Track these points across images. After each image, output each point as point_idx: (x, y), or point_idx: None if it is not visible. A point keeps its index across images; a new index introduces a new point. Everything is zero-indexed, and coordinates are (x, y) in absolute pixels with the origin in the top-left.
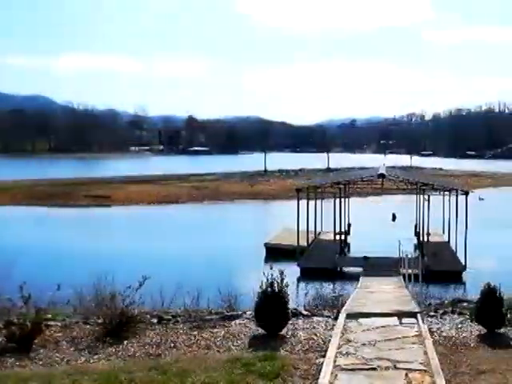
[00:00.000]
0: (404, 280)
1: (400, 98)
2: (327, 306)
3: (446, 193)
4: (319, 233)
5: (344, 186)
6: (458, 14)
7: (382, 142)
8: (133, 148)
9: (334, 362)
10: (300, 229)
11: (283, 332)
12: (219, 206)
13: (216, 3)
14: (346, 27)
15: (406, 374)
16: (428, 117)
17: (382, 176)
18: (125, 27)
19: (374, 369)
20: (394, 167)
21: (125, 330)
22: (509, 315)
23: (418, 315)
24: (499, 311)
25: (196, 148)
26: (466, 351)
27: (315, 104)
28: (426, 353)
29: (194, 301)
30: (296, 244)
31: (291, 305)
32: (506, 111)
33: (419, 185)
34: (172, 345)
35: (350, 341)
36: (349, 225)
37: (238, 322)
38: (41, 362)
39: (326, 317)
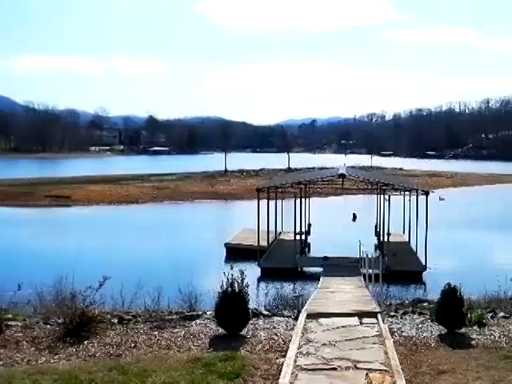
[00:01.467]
0: (364, 280)
1: (360, 98)
2: (288, 305)
3: (407, 193)
4: (280, 233)
5: (304, 186)
6: (418, 14)
7: (342, 142)
8: (93, 148)
9: (295, 361)
10: (260, 229)
11: (244, 332)
12: (179, 206)
13: (175, 3)
14: (306, 27)
15: (367, 374)
16: (388, 117)
17: (342, 176)
18: (85, 28)
19: (334, 369)
20: (354, 167)
21: (85, 329)
22: (469, 315)
23: (379, 315)
24: (459, 311)
25: (156, 148)
26: (426, 351)
27: (276, 104)
28: (386, 353)
29: (155, 301)
30: (256, 244)
31: (252, 305)
32: (467, 111)
33: (379, 185)
34: (132, 345)
35: (310, 341)
36: (309, 225)
37: (198, 321)
38: (1, 362)
39: (287, 317)
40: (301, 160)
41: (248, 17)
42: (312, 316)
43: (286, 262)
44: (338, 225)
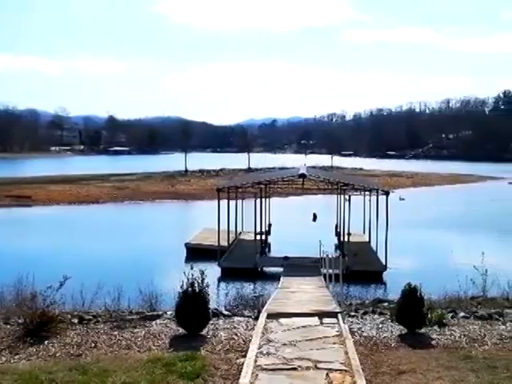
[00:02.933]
0: (325, 280)
1: (321, 98)
2: (248, 306)
3: (367, 193)
4: (240, 233)
5: (265, 186)
6: (377, 14)
7: (302, 142)
8: (53, 148)
9: (255, 361)
10: (221, 229)
11: (204, 332)
12: (140, 206)
13: (135, 3)
14: (267, 28)
15: (327, 374)
16: (349, 117)
17: (302, 176)
18: (45, 28)
19: (294, 369)
20: (314, 167)
21: (45, 330)
22: (429, 315)
23: (339, 315)
24: (420, 311)
25: (117, 148)
26: (386, 351)
27: (236, 104)
28: (346, 353)
29: (115, 301)
30: (217, 244)
31: (212, 305)
32: (427, 111)
33: (340, 185)
34: (93, 345)
35: (270, 341)
36: (269, 225)
37: (158, 321)
38: None
39: (247, 317)
40: (261, 160)
41: (209, 17)
42: (272, 316)
43: (247, 261)
44: (299, 225)
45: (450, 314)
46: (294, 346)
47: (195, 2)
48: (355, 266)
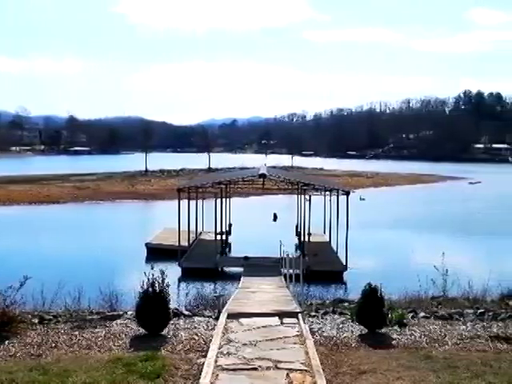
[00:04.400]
0: (285, 280)
1: (281, 98)
2: (208, 305)
3: (327, 193)
4: (200, 233)
5: (225, 186)
6: (338, 14)
7: (263, 141)
8: (14, 148)
9: (215, 362)
10: (181, 229)
11: (164, 332)
12: (100, 205)
13: (94, 3)
14: (227, 28)
15: (288, 374)
16: (309, 117)
17: (263, 176)
18: (5, 27)
19: (255, 369)
20: (275, 167)
21: (6, 330)
22: (390, 315)
23: (299, 315)
24: (380, 311)
25: (77, 148)
26: (347, 351)
27: (196, 104)
28: (307, 353)
29: (76, 301)
30: (177, 244)
31: (172, 305)
32: (387, 111)
33: (300, 185)
34: (53, 345)
35: (231, 341)
36: (230, 225)
37: (119, 321)
38: None
39: (207, 317)
40: (221, 160)
41: (168, 17)
42: (233, 316)
43: (207, 261)
44: (259, 225)
45: (411, 314)
46: (255, 345)
47: (154, 1)
48: (315, 266)
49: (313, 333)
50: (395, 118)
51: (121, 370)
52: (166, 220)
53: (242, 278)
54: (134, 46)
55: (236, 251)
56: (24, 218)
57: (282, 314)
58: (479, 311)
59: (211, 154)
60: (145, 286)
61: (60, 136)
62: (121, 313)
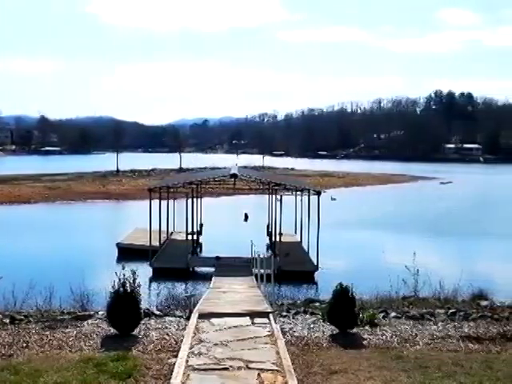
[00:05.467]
0: (256, 280)
1: (252, 98)
2: (179, 306)
3: (298, 193)
4: (171, 233)
5: (196, 186)
6: (310, 14)
7: (234, 142)
8: None
9: (187, 362)
10: (152, 229)
11: (135, 332)
12: (72, 205)
13: (66, 3)
14: (199, 28)
15: (259, 374)
16: (280, 117)
17: (234, 176)
18: None
19: (226, 369)
20: (246, 167)
21: None
22: (361, 315)
23: (271, 315)
24: (351, 311)
25: (48, 148)
26: (318, 351)
27: (167, 104)
28: (278, 353)
29: (47, 301)
30: (148, 244)
31: (143, 305)
32: (359, 111)
33: (271, 185)
34: (24, 345)
35: (202, 341)
36: (201, 225)
37: (90, 321)
38: None
39: (179, 317)
40: (193, 160)
41: (139, 18)
42: (204, 316)
43: (178, 261)
44: (230, 225)
45: (382, 314)
46: (226, 346)
47: (125, 2)
48: (287, 266)
49: (284, 333)
50: (366, 118)
51: (92, 370)
52: (137, 220)
53: (213, 278)
54: (106, 46)
55: (207, 251)
56: None
57: (253, 314)
58: (450, 311)
59: (182, 154)
60: (116, 286)
61: (31, 136)
62: (92, 313)
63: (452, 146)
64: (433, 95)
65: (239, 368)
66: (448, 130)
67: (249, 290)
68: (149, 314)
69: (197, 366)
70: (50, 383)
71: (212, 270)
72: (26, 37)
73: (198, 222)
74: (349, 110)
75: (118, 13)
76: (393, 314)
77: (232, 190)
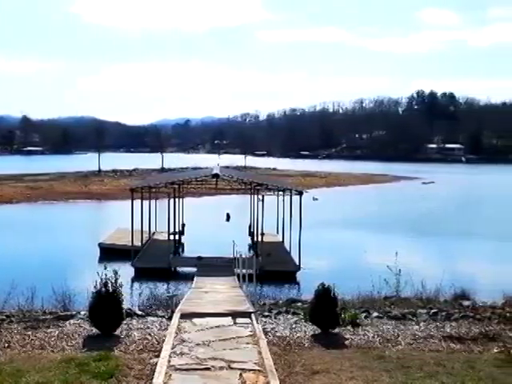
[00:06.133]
0: (238, 280)
1: (234, 98)
2: (161, 306)
3: (281, 193)
4: (153, 233)
5: (178, 186)
6: (291, 14)
7: (216, 142)
8: None
9: (169, 362)
10: (134, 229)
11: (117, 332)
12: (54, 205)
13: (48, 3)
14: (180, 28)
15: (241, 374)
16: (262, 117)
17: (216, 176)
18: None
19: (208, 369)
20: (228, 167)
21: None
22: (343, 315)
23: (253, 315)
24: (333, 311)
25: (30, 148)
26: (300, 351)
27: (149, 104)
28: (260, 353)
29: (29, 301)
30: (130, 244)
31: (125, 305)
32: (340, 111)
33: (253, 185)
34: (6, 345)
35: (184, 341)
36: (183, 225)
37: (72, 321)
38: None
39: (161, 317)
40: (174, 160)
41: (121, 18)
42: (186, 316)
43: (160, 261)
44: (212, 225)
45: (364, 314)
46: (208, 346)
47: (108, 2)
48: (269, 266)
49: (266, 333)
50: (348, 118)
51: (74, 370)
52: (119, 220)
53: (195, 278)
54: (88, 46)
55: (189, 251)
56: None
57: (235, 314)
58: (432, 311)
59: (164, 153)
60: (98, 286)
61: (13, 136)
62: (74, 313)
63: (434, 146)
64: (415, 95)
65: (221, 368)
66: (430, 130)
67: (231, 290)
68: (131, 314)
69: (179, 366)
70: (32, 383)
71: (194, 269)
72: (8, 36)
73: (180, 222)
74: (331, 110)
75: (101, 13)
76: (375, 314)
77: (214, 190)
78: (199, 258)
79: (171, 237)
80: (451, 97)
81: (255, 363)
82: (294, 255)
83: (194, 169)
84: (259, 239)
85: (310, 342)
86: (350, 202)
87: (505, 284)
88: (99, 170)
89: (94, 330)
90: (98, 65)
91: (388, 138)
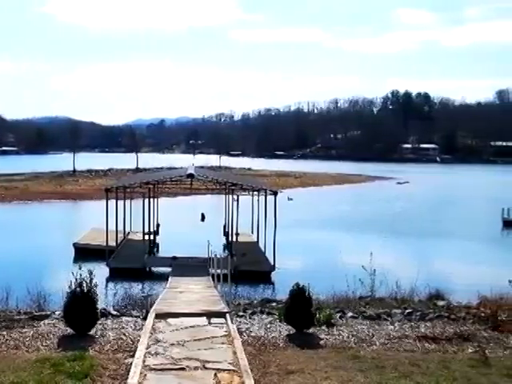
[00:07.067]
0: (213, 280)
1: (209, 98)
2: (136, 306)
3: (255, 193)
4: (128, 233)
5: (153, 186)
6: (266, 14)
7: (191, 142)
8: None
9: (143, 362)
10: (109, 229)
11: (92, 332)
12: (28, 206)
13: (22, 3)
14: (154, 27)
15: (215, 374)
16: (237, 117)
17: (190, 176)
18: None
19: (183, 369)
20: (203, 167)
21: None
22: (318, 315)
23: (227, 315)
24: (308, 311)
25: (5, 148)
26: (275, 351)
27: (124, 104)
28: (235, 353)
29: (3, 301)
30: (105, 244)
31: (100, 305)
32: (315, 111)
33: (228, 185)
34: None
35: (158, 341)
36: (158, 225)
37: (47, 321)
38: None
39: (135, 317)
40: (149, 160)
41: (96, 17)
42: (160, 316)
43: (135, 261)
44: (187, 225)
45: (339, 314)
46: (183, 345)
47: (82, 1)
48: (243, 266)
49: (241, 333)
50: (323, 118)
51: (49, 370)
52: (93, 220)
53: (169, 278)
54: (63, 45)
55: (164, 251)
56: None
57: (209, 314)
58: (407, 311)
59: (139, 154)
60: (73, 286)
61: None
62: (49, 313)
63: (409, 146)
64: (389, 95)
65: (196, 368)
66: (405, 130)
67: (205, 290)
68: (106, 314)
69: (153, 366)
70: (7, 383)
71: (169, 270)
72: None
73: (155, 222)
74: (305, 110)
75: (75, 13)
76: (349, 314)
77: (189, 190)
78: (174, 258)
79: (146, 237)
80: (426, 97)
81: (230, 363)
82: (269, 255)
83: (169, 169)
84: (234, 239)
85: (285, 342)
86: (325, 201)
87: (479, 284)
88: (74, 170)
89: (69, 330)
90: (73, 65)
91: (363, 138)
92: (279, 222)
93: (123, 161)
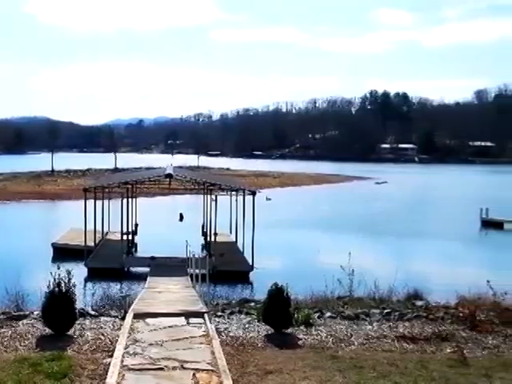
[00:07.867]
0: (191, 280)
1: (187, 98)
2: (114, 306)
3: (234, 193)
4: (107, 233)
5: (131, 186)
6: (245, 15)
7: (169, 142)
8: None
9: (122, 362)
10: (87, 229)
11: (70, 332)
12: (6, 206)
13: (1, 3)
14: (133, 27)
15: (194, 374)
16: (215, 117)
17: (169, 176)
18: None
19: (161, 369)
20: (181, 167)
21: None
22: (296, 315)
23: (206, 315)
24: (286, 311)
25: None
26: (253, 351)
27: (103, 104)
28: (213, 353)
29: None
30: (83, 244)
31: (78, 305)
32: (294, 111)
33: (206, 185)
34: None
35: (137, 341)
36: (136, 225)
37: (25, 321)
38: None
39: (114, 317)
40: (128, 160)
41: (75, 18)
42: (139, 316)
43: (113, 261)
44: (165, 225)
45: (317, 314)
46: (161, 346)
47: (62, 2)
48: (222, 266)
49: (219, 333)
50: (301, 118)
51: (27, 370)
52: (72, 220)
53: (148, 278)
54: (41, 46)
55: (142, 251)
56: None
57: (188, 314)
58: (385, 311)
59: (118, 154)
60: (51, 286)
61: None
62: (27, 313)
63: (387, 146)
64: (368, 95)
65: (174, 368)
66: (383, 130)
67: (184, 290)
68: (84, 314)
69: (132, 366)
70: None
71: (147, 270)
72: None
73: (133, 222)
74: (284, 110)
75: (55, 13)
76: (328, 314)
77: (167, 190)
78: (152, 258)
79: (124, 237)
80: (404, 97)
81: (208, 363)
82: (247, 255)
83: (148, 169)
84: (212, 239)
85: (263, 342)
86: (304, 201)
87: (458, 284)
88: (52, 170)
89: (47, 330)
90: (52, 65)
91: (341, 138)
92: (258, 222)
93: (102, 161)
